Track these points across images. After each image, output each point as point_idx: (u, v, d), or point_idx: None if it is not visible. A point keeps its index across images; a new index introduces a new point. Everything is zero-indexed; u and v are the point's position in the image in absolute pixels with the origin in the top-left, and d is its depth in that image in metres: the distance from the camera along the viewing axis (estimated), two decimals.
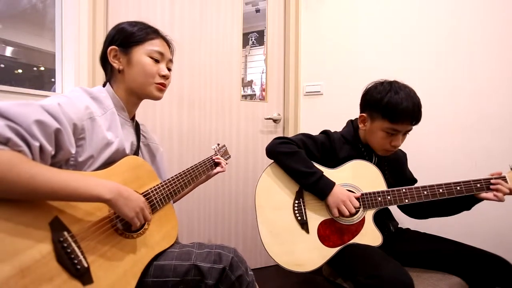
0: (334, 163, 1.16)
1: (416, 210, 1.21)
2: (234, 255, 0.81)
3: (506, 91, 1.45)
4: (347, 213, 1.06)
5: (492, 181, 1.02)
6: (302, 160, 1.11)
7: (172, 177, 0.96)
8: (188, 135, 1.74)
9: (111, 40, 0.88)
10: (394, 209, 1.26)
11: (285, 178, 1.16)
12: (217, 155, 1.22)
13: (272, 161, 1.19)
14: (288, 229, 1.11)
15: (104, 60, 0.90)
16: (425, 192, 1.06)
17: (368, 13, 1.77)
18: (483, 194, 1.03)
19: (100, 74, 1.44)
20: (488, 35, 1.49)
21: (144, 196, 0.83)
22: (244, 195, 1.90)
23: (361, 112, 1.17)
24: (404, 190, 1.08)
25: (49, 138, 0.64)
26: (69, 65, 1.43)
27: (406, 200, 1.08)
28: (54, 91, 1.44)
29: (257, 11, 1.94)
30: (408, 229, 1.26)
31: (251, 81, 1.97)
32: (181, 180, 0.98)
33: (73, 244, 0.63)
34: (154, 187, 0.88)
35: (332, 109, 1.88)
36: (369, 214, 1.10)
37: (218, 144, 1.28)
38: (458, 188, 1.04)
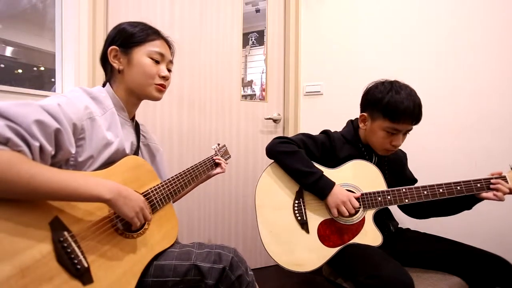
0: (334, 163, 1.16)
1: (416, 210, 1.21)
2: (234, 255, 0.81)
3: (506, 91, 1.45)
4: (346, 213, 1.06)
5: (492, 180, 1.02)
6: (302, 159, 1.11)
7: (172, 177, 0.96)
8: (188, 135, 1.74)
9: (111, 40, 0.88)
10: (394, 209, 1.26)
11: (285, 178, 1.16)
12: (217, 155, 1.22)
13: (272, 161, 1.19)
14: (288, 229, 1.11)
15: (104, 60, 0.90)
16: (425, 192, 1.06)
17: (368, 13, 1.77)
18: (483, 194, 1.03)
19: (100, 74, 1.44)
20: (488, 35, 1.49)
21: (144, 196, 0.83)
22: (244, 195, 1.90)
23: (361, 112, 1.17)
24: (404, 190, 1.08)
25: (49, 138, 0.64)
26: (69, 65, 1.43)
27: (406, 200, 1.08)
28: (54, 91, 1.45)
29: (257, 11, 1.94)
30: (408, 229, 1.26)
31: (251, 81, 1.97)
32: (181, 180, 0.98)
33: (73, 244, 0.63)
34: (154, 187, 0.88)
35: (332, 109, 1.88)
36: (369, 214, 1.10)
37: (218, 144, 1.28)
38: (458, 188, 1.04)
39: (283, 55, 1.99)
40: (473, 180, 1.04)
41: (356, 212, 1.09)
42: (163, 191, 0.90)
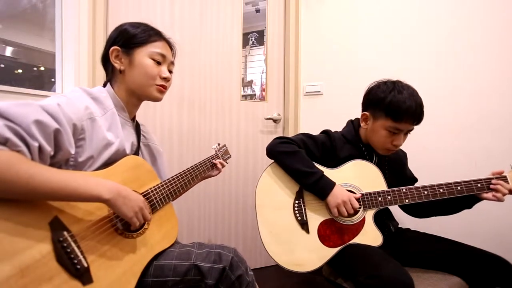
0: (334, 163, 1.16)
1: (417, 210, 1.21)
2: (234, 255, 0.82)
3: (506, 91, 1.45)
4: (346, 213, 1.06)
5: (492, 181, 1.02)
6: (302, 159, 1.11)
7: (172, 176, 0.96)
8: (188, 135, 1.74)
9: (113, 41, 0.89)
10: (394, 209, 1.26)
11: (286, 178, 1.16)
12: (217, 155, 1.22)
13: (273, 161, 1.19)
14: (288, 229, 1.11)
15: (106, 60, 0.90)
16: (426, 192, 1.06)
17: (368, 13, 1.77)
18: (484, 195, 1.03)
19: (100, 74, 1.44)
20: (488, 35, 1.49)
21: (144, 196, 0.83)
22: (244, 195, 1.90)
23: (363, 111, 1.17)
24: (404, 190, 1.08)
25: (48, 138, 0.64)
26: (69, 65, 1.43)
27: (407, 200, 1.08)
28: (54, 91, 1.44)
29: (257, 11, 1.94)
30: (408, 229, 1.26)
31: (251, 81, 1.97)
32: (181, 180, 0.98)
33: (73, 244, 0.63)
34: (154, 187, 0.88)
35: (332, 109, 1.88)
36: (369, 214, 1.10)
37: (219, 144, 1.28)
38: (459, 188, 1.04)
39: (283, 55, 1.99)
40: (474, 180, 1.04)
41: (356, 212, 1.09)
42: (163, 191, 0.90)
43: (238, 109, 1.88)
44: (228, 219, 1.87)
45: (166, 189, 0.91)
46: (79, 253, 0.63)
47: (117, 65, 0.88)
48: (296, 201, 1.14)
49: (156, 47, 0.89)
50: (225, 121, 1.84)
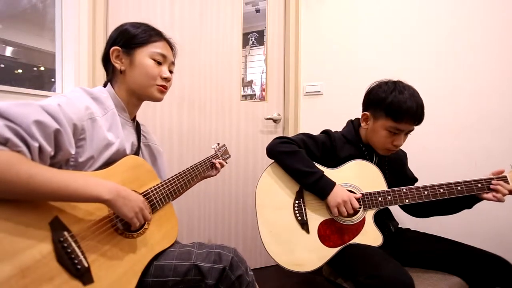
0: (334, 163, 1.16)
1: (417, 209, 1.21)
2: (234, 255, 0.82)
3: (506, 91, 1.45)
4: (345, 213, 1.06)
5: (492, 182, 1.02)
6: (302, 159, 1.11)
7: (172, 176, 0.96)
8: (188, 135, 1.74)
9: (114, 41, 0.89)
10: (394, 209, 1.26)
11: (286, 178, 1.16)
12: (217, 154, 1.22)
13: (273, 161, 1.19)
14: (288, 229, 1.11)
15: (106, 61, 0.90)
16: (426, 192, 1.06)
17: (368, 13, 1.77)
18: (484, 195, 1.03)
19: (100, 74, 1.44)
20: (488, 35, 1.49)
21: (144, 196, 0.83)
22: (244, 195, 1.90)
23: (363, 111, 1.17)
24: (404, 190, 1.08)
25: (48, 139, 0.64)
26: (69, 65, 1.43)
27: (407, 200, 1.08)
28: (54, 91, 1.44)
29: (257, 11, 1.94)
30: (408, 229, 1.26)
31: (251, 81, 1.97)
32: (180, 180, 0.98)
33: (73, 244, 0.63)
34: (154, 186, 0.88)
35: (332, 109, 1.88)
36: (369, 214, 1.10)
37: (218, 144, 1.28)
38: (459, 188, 1.04)
39: (283, 55, 1.99)
40: (474, 180, 1.04)
41: (357, 212, 1.09)
42: (162, 191, 0.90)
43: (238, 109, 1.88)
44: (228, 219, 1.87)
45: (166, 189, 0.91)
46: (79, 253, 0.63)
47: (117, 65, 0.88)
48: (296, 201, 1.14)
49: (157, 47, 0.89)
50: (225, 121, 1.84)
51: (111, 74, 0.91)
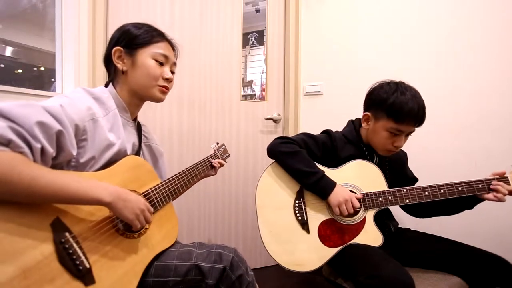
0: (335, 163, 1.16)
1: (417, 210, 1.21)
2: (234, 255, 0.82)
3: (506, 91, 1.46)
4: (346, 212, 1.06)
5: (492, 182, 1.02)
6: (303, 159, 1.11)
7: (172, 176, 0.96)
8: (188, 135, 1.74)
9: (116, 41, 0.89)
10: (394, 209, 1.26)
11: (286, 178, 1.16)
12: (216, 154, 1.23)
13: (273, 160, 1.19)
14: (288, 229, 1.11)
15: (108, 61, 0.90)
16: (426, 193, 1.06)
17: (368, 13, 1.77)
18: (484, 195, 1.03)
19: (100, 74, 1.44)
20: (488, 35, 1.49)
21: (144, 196, 0.83)
22: (244, 195, 1.90)
23: (365, 111, 1.17)
24: (405, 190, 1.08)
25: (50, 140, 0.64)
26: (69, 65, 1.43)
27: (407, 201, 1.08)
28: (54, 90, 1.44)
29: (257, 11, 1.94)
30: (408, 229, 1.26)
31: (251, 81, 1.97)
32: (180, 180, 0.98)
33: (75, 245, 0.63)
34: (154, 187, 0.88)
35: (332, 109, 1.88)
36: (369, 214, 1.10)
37: (217, 143, 1.28)
38: (460, 188, 1.04)
39: (283, 55, 1.99)
40: (475, 181, 1.04)
41: (357, 212, 1.09)
42: (163, 191, 0.90)
43: (238, 109, 1.88)
44: (228, 219, 1.87)
45: (166, 189, 0.91)
46: (81, 254, 0.64)
47: (119, 65, 0.88)
48: (297, 201, 1.14)
49: (159, 48, 0.89)
50: (225, 121, 1.84)
51: (113, 74, 0.91)
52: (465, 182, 1.04)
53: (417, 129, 1.10)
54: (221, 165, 1.22)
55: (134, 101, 0.91)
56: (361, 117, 1.19)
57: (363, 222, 1.10)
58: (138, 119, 1.00)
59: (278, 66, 1.98)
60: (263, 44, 1.96)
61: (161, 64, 0.90)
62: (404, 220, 1.34)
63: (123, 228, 0.76)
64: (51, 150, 0.64)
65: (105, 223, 0.72)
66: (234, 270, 0.79)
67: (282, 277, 1.81)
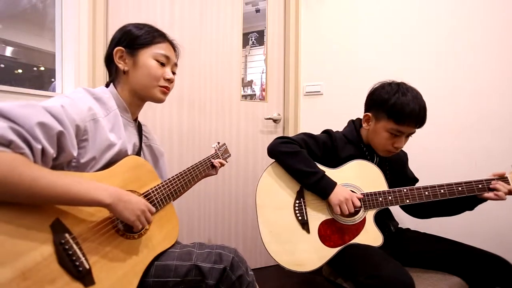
0: (335, 163, 1.16)
1: (418, 210, 1.21)
2: (234, 255, 0.82)
3: (506, 91, 1.46)
4: (347, 212, 1.06)
5: (492, 182, 1.02)
6: (304, 159, 1.11)
7: (173, 176, 0.96)
8: (188, 135, 1.74)
9: (117, 41, 0.89)
10: (395, 209, 1.26)
11: (286, 178, 1.16)
12: (217, 153, 1.23)
13: (273, 160, 1.19)
14: (288, 229, 1.11)
15: (109, 61, 0.90)
16: (426, 193, 1.06)
17: (368, 13, 1.77)
18: (485, 194, 1.03)
19: (100, 74, 1.44)
20: (488, 35, 1.49)
21: (145, 196, 0.83)
22: (244, 195, 1.90)
23: (365, 112, 1.17)
24: (405, 190, 1.08)
25: (51, 141, 0.64)
26: (69, 65, 1.43)
27: (407, 201, 1.08)
28: (53, 90, 1.44)
29: (257, 11, 1.94)
30: (408, 229, 1.26)
31: (251, 81, 1.97)
32: (181, 180, 0.98)
33: (75, 246, 0.63)
34: (155, 187, 0.88)
35: (332, 109, 1.88)
36: (370, 214, 1.10)
37: (218, 143, 1.28)
38: (460, 188, 1.04)
39: (283, 55, 1.99)
40: (475, 181, 1.04)
41: (357, 212, 1.09)
42: (163, 191, 0.90)
43: (238, 109, 1.88)
44: (228, 219, 1.87)
45: (167, 189, 0.91)
46: (80, 255, 0.63)
47: (121, 65, 0.88)
48: (297, 201, 1.14)
49: (160, 49, 0.89)
50: (225, 121, 1.84)
51: (114, 75, 0.91)
52: (465, 182, 1.04)
53: (417, 129, 1.10)
54: (222, 165, 1.22)
55: (135, 101, 0.91)
56: (361, 117, 1.19)
57: (363, 222, 1.10)
58: (139, 119, 1.00)
59: (278, 66, 1.98)
60: (263, 44, 1.96)
61: (162, 64, 0.90)
62: (404, 220, 1.34)
63: (123, 228, 0.76)
64: (51, 151, 0.64)
65: (105, 224, 0.72)
66: (234, 270, 0.79)
67: (282, 277, 1.81)
